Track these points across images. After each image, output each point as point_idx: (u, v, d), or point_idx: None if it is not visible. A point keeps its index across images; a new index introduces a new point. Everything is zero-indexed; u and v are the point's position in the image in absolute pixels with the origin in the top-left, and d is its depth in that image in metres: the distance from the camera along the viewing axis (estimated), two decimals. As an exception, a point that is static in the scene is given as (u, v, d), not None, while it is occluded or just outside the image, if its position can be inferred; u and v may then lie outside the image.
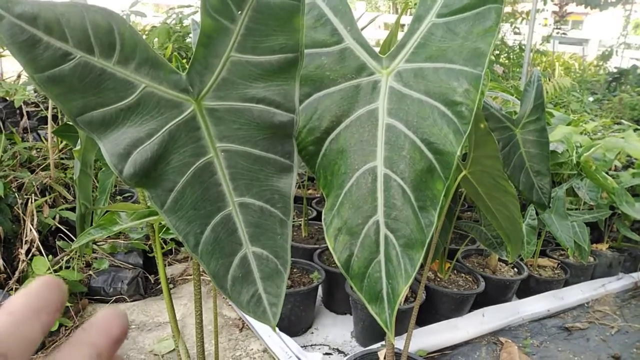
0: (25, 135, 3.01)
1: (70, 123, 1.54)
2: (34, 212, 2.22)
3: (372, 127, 0.92)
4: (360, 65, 0.97)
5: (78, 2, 0.77)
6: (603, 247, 2.87)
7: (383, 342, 1.85)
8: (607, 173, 2.74)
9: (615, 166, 3.14)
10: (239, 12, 0.74)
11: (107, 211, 1.34)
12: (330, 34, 0.99)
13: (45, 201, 2.35)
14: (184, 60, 3.57)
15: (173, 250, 2.88)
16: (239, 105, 0.81)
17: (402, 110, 0.91)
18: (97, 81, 0.71)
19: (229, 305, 2.32)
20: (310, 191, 3.48)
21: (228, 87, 0.80)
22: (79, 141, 1.14)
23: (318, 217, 2.92)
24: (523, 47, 7.52)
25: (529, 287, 2.48)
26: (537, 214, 2.33)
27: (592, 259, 2.71)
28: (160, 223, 1.26)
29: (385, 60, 0.96)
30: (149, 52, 0.75)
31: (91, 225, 1.28)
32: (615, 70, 7.36)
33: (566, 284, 2.59)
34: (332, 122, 0.95)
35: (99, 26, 0.70)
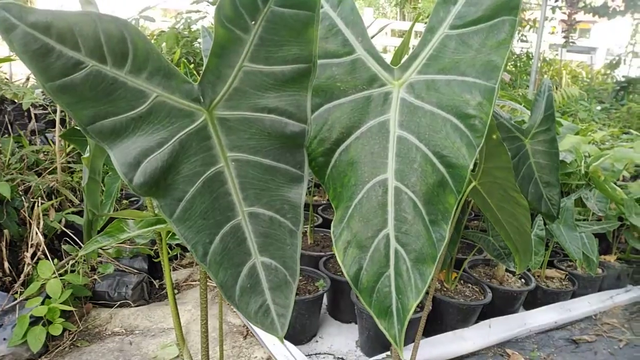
0: (32, 137, 3.02)
1: (77, 127, 1.54)
2: (40, 216, 2.22)
3: (383, 139, 0.91)
4: (371, 76, 0.97)
5: (91, 11, 0.77)
6: (611, 258, 2.84)
7: (388, 353, 1.84)
8: (615, 183, 2.72)
9: (624, 176, 3.11)
10: (253, 23, 0.74)
11: (112, 217, 1.34)
12: (342, 44, 0.99)
13: (52, 205, 2.35)
14: (192, 66, 3.59)
15: (178, 255, 2.88)
16: (251, 115, 0.81)
17: (414, 123, 0.90)
18: (109, 90, 0.71)
19: (234, 312, 2.31)
20: (316, 198, 3.47)
21: (240, 97, 0.79)
22: (87, 148, 1.14)
23: (324, 224, 2.90)
24: (530, 55, 7.50)
25: (536, 298, 2.46)
26: (545, 224, 2.31)
27: (600, 271, 2.68)
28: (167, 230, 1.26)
29: (397, 72, 0.96)
30: (162, 62, 0.75)
31: (98, 231, 1.27)
32: (623, 79, 7.32)
33: (574, 295, 2.56)
34: (343, 133, 0.95)
35: (111, 35, 0.69)
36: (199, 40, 4.23)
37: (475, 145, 0.84)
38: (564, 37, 7.88)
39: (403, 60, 0.98)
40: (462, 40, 0.91)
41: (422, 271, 0.81)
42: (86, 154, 1.13)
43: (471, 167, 0.83)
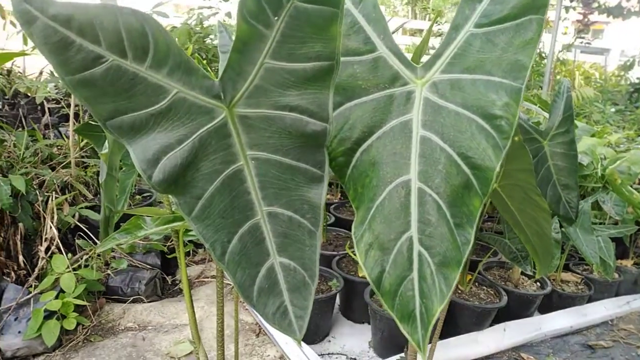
0: (46, 132, 3.03)
1: (92, 122, 1.54)
2: (54, 210, 2.23)
3: (405, 139, 0.89)
4: (393, 74, 0.94)
5: (112, 4, 0.75)
6: (628, 263, 2.80)
7: (402, 354, 1.81)
8: (631, 187, 2.67)
9: (639, 180, 3.06)
10: (276, 18, 0.72)
11: (127, 213, 1.33)
12: (364, 42, 0.97)
13: (66, 199, 2.36)
14: (204, 61, 3.58)
15: (191, 252, 2.87)
16: (272, 113, 0.79)
17: (438, 123, 0.88)
18: (129, 85, 0.70)
19: (246, 309, 2.31)
20: (328, 196, 3.45)
21: (261, 94, 0.78)
22: (105, 144, 1.13)
23: (337, 223, 2.88)
24: (543, 55, 7.41)
25: (551, 302, 2.42)
26: (561, 227, 2.27)
27: (616, 275, 2.64)
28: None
29: (420, 70, 0.94)
30: (182, 57, 0.73)
31: (114, 227, 1.26)
32: (637, 81, 7.22)
33: (590, 300, 2.52)
34: (364, 132, 0.93)
35: (132, 29, 0.68)
36: (211, 36, 4.22)
37: (502, 147, 0.81)
38: (578, 37, 7.78)
39: (427, 58, 0.95)
40: (488, 39, 0.89)
41: (446, 275, 0.79)
42: (104, 150, 1.13)
43: (498, 169, 0.80)
